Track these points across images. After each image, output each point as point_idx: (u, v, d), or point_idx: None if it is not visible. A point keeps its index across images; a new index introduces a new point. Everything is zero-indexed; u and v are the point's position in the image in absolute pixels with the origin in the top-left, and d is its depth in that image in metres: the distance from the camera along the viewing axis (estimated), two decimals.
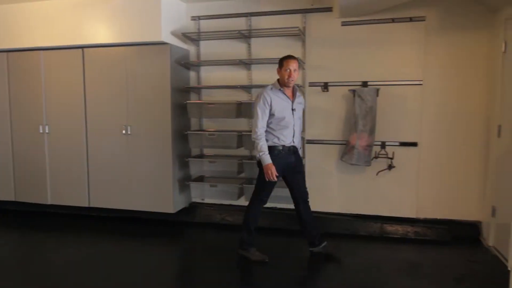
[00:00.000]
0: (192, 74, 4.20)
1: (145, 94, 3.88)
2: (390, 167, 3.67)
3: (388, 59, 3.65)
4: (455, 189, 3.67)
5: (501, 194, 3.20)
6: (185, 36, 3.95)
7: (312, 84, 3.81)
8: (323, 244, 3.28)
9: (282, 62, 3.04)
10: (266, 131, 3.07)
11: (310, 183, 3.95)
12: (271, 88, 3.09)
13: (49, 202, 4.29)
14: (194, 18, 4.08)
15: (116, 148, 4.01)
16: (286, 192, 3.69)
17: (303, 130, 3.43)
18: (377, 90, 3.60)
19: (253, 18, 3.93)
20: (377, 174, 3.71)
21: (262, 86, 3.88)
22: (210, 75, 4.13)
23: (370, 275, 2.98)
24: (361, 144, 3.57)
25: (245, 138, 3.78)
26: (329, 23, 3.74)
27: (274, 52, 3.84)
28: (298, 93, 3.18)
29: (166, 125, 3.84)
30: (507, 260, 2.77)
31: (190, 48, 4.17)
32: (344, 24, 3.70)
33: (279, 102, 3.06)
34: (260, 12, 3.89)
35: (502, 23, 3.22)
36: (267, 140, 3.06)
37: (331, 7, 3.69)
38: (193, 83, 4.20)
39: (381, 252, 3.37)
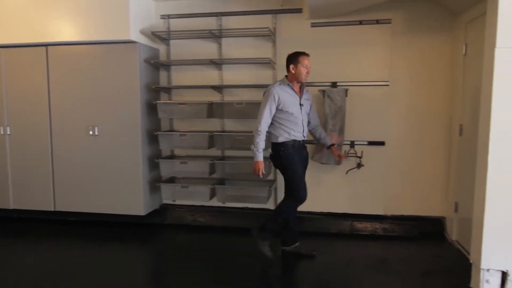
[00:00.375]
0: (162, 73, 4.14)
1: (113, 94, 3.78)
2: (359, 166, 3.75)
3: (356, 60, 3.74)
4: (420, 186, 3.80)
5: (463, 190, 3.34)
6: (155, 35, 3.89)
7: None
8: (296, 245, 3.31)
9: (298, 58, 3.04)
10: (276, 127, 3.08)
11: (281, 183, 4.00)
12: (280, 84, 3.10)
13: (11, 207, 4.10)
14: (163, 17, 4.02)
15: (82, 149, 3.89)
16: (257, 191, 3.73)
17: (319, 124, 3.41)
18: (346, 90, 3.68)
19: (223, 18, 3.91)
20: (346, 172, 3.78)
21: (234, 86, 3.93)
22: (180, 75, 4.08)
23: (341, 272, 3.04)
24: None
25: (216, 138, 3.77)
26: (299, 24, 3.78)
27: (245, 52, 3.86)
28: (305, 90, 3.20)
29: (135, 125, 3.77)
30: (469, 254, 2.90)
31: (160, 47, 4.10)
32: (313, 25, 3.76)
33: (288, 97, 3.07)
34: (231, 12, 3.88)
35: (463, 27, 3.37)
36: (278, 137, 3.07)
37: (300, 8, 3.73)
38: (163, 83, 4.14)
39: (351, 249, 3.44)
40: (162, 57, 4.10)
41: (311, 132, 3.36)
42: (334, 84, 3.72)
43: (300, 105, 3.11)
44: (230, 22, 3.91)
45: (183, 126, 4.13)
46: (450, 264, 3.15)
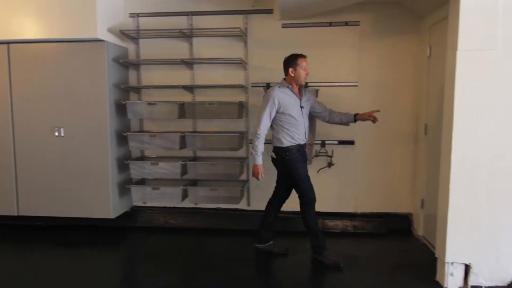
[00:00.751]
0: (132, 73, 4.05)
1: (80, 94, 3.66)
2: (330, 164, 3.82)
3: (326, 61, 3.80)
4: (389, 184, 3.91)
5: (429, 187, 3.47)
6: (123, 34, 3.80)
7: (254, 85, 3.85)
8: (270, 243, 3.32)
9: (297, 61, 3.04)
10: (280, 131, 3.07)
11: (254, 182, 4.01)
12: (279, 87, 3.09)
13: None
14: (132, 15, 3.94)
15: (47, 151, 3.74)
16: (229, 192, 3.71)
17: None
18: (317, 91, 3.73)
19: (194, 17, 3.88)
20: (317, 172, 3.83)
21: (205, 87, 3.90)
22: (150, 75, 4.01)
23: (313, 269, 3.08)
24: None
25: (188, 139, 3.72)
26: (270, 25, 3.81)
27: (217, 52, 3.84)
28: (304, 91, 3.20)
29: (103, 126, 3.67)
30: (434, 248, 3.01)
31: (129, 46, 4.01)
32: (284, 26, 3.79)
33: (288, 100, 3.06)
34: (202, 11, 3.86)
35: (427, 29, 3.49)
36: (282, 141, 3.06)
37: (271, 9, 3.76)
38: (132, 82, 4.05)
39: None
40: (132, 56, 4.02)
41: (332, 123, 3.33)
42: (305, 85, 3.76)
43: (301, 107, 3.11)
44: (201, 22, 3.88)
45: (153, 126, 4.06)
46: (417, 259, 3.26)
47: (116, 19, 3.85)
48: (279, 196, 3.35)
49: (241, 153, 3.97)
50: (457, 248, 2.69)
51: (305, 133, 3.15)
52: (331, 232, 3.80)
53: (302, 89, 3.19)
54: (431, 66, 3.44)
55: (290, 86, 3.08)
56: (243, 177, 3.97)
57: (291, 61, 3.07)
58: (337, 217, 3.88)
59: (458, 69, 2.54)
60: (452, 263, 2.72)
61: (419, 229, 3.69)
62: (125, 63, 3.90)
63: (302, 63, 3.04)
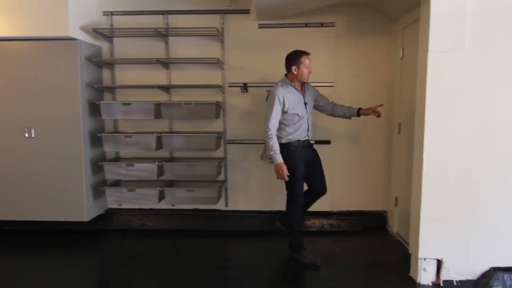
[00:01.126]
0: (106, 72, 3.96)
1: (52, 94, 3.55)
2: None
3: None
4: (364, 182, 3.98)
5: (402, 185, 3.56)
6: (97, 32, 3.71)
7: (231, 85, 3.84)
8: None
9: (300, 59, 3.01)
10: (280, 128, 3.05)
11: (231, 182, 4.01)
12: (282, 85, 3.06)
13: None
14: (106, 13, 3.85)
15: (17, 153, 3.61)
16: (207, 193, 3.69)
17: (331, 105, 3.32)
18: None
19: (170, 16, 3.83)
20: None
21: (182, 86, 3.86)
22: (125, 74, 3.93)
23: (291, 268, 3.10)
24: None
25: (165, 139, 3.68)
26: (247, 25, 3.81)
27: (193, 52, 3.81)
28: (307, 87, 3.18)
29: (76, 127, 3.57)
30: (408, 245, 3.09)
31: (103, 45, 3.92)
32: (261, 26, 3.79)
33: (292, 98, 3.05)
34: (177, 11, 3.81)
35: (399, 31, 3.58)
36: (281, 138, 3.05)
37: (248, 9, 3.76)
38: (106, 82, 3.96)
39: None
40: (105, 55, 3.93)
41: (335, 116, 3.33)
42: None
43: (305, 103, 3.11)
44: (177, 21, 3.84)
45: (129, 127, 3.99)
46: (392, 255, 3.35)
47: (89, 17, 3.75)
48: (313, 190, 3.28)
49: (218, 153, 3.96)
50: (429, 244, 2.77)
51: (308, 129, 3.13)
52: (308, 231, 3.84)
53: (304, 84, 3.18)
54: (403, 67, 3.53)
55: (293, 83, 3.08)
56: (221, 177, 3.96)
57: (294, 59, 3.05)
58: (314, 216, 3.92)
59: (429, 70, 2.62)
60: (425, 259, 2.80)
61: (394, 227, 3.79)
62: (99, 62, 3.81)
63: (305, 60, 3.04)
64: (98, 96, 3.87)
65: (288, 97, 3.03)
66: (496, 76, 2.63)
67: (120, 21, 3.86)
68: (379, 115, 3.19)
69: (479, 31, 2.59)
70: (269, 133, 2.98)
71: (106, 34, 3.81)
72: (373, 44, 3.84)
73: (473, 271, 2.79)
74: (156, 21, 3.83)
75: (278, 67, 3.80)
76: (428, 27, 2.59)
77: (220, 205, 4.02)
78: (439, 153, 2.69)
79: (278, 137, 3.07)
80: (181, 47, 3.86)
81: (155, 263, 3.20)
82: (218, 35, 3.73)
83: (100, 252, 3.55)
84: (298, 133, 3.09)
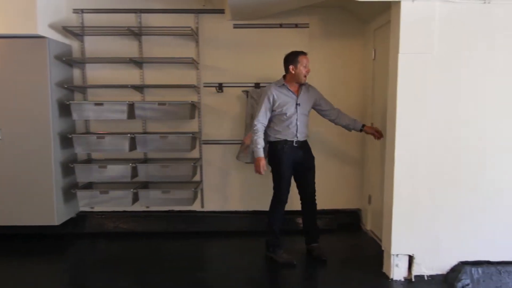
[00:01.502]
0: (76, 72, 3.85)
1: (19, 94, 3.42)
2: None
3: (278, 61, 3.80)
4: (338, 181, 4.04)
5: (375, 183, 3.64)
6: (66, 30, 3.60)
7: (206, 85, 3.82)
8: (313, 245, 3.31)
9: (297, 59, 3.03)
10: (269, 127, 3.12)
11: (207, 183, 3.99)
12: (275, 84, 3.11)
13: None
14: (76, 11, 3.74)
15: None
16: (182, 194, 3.65)
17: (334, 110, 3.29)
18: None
19: (143, 15, 3.77)
20: (271, 171, 3.87)
21: (156, 86, 3.80)
22: (97, 74, 3.83)
23: (267, 268, 3.11)
24: None
25: (139, 140, 3.61)
26: (221, 25, 3.79)
27: (167, 51, 3.77)
28: (306, 89, 3.16)
29: (45, 127, 3.45)
30: (381, 241, 3.16)
31: (73, 43, 3.81)
32: (236, 26, 3.79)
33: (283, 98, 3.06)
34: (151, 9, 3.75)
35: (371, 33, 3.66)
36: (269, 136, 3.12)
37: (223, 9, 3.75)
38: (77, 81, 3.85)
39: None
40: (76, 54, 3.82)
41: (337, 124, 3.31)
42: (257, 85, 3.79)
43: (297, 104, 3.10)
44: (151, 20, 3.78)
45: (101, 127, 3.89)
46: (365, 252, 3.41)
47: (58, 15, 3.64)
48: (302, 196, 3.31)
49: (194, 154, 3.92)
50: (401, 241, 2.84)
51: (296, 131, 3.11)
52: (284, 230, 3.84)
53: (304, 86, 3.17)
54: (376, 68, 3.61)
55: (286, 84, 3.10)
56: (196, 178, 3.92)
57: (291, 59, 3.07)
58: (290, 215, 3.94)
59: (400, 70, 2.69)
60: (397, 255, 2.88)
61: (367, 224, 3.87)
62: (69, 61, 3.71)
63: (302, 60, 3.05)
64: (69, 96, 3.76)
65: (279, 96, 3.07)
66: (462, 76, 2.73)
67: (91, 19, 3.76)
68: (379, 137, 3.21)
69: (446, 33, 2.68)
70: (254, 128, 3.07)
71: (76, 32, 3.70)
72: (346, 45, 3.90)
73: (443, 266, 2.89)
74: (129, 20, 3.76)
75: (253, 67, 3.85)
76: (398, 29, 2.67)
77: (196, 206, 3.99)
78: (410, 151, 2.76)
79: (267, 135, 3.14)
80: (155, 47, 3.81)
81: (130, 266, 3.14)
82: (192, 35, 3.70)
83: (71, 256, 3.44)
84: (285, 133, 3.11)
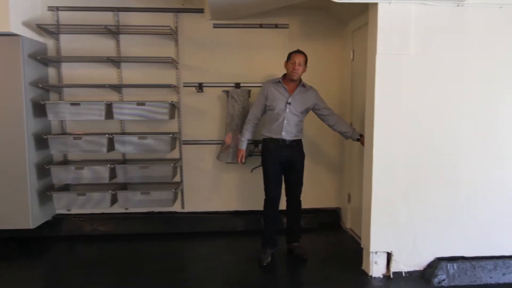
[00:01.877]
0: (52, 71, 3.75)
1: None
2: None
3: (258, 61, 3.86)
4: (319, 181, 4.08)
5: (354, 182, 3.69)
6: (41, 28, 3.50)
7: (186, 85, 3.79)
8: (295, 244, 3.35)
9: (290, 55, 3.13)
10: (261, 124, 3.27)
11: (188, 184, 3.95)
12: (273, 80, 3.21)
13: None
14: (51, 9, 3.65)
15: None
16: (162, 195, 3.61)
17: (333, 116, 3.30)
18: (249, 91, 3.78)
19: (121, 13, 3.70)
20: (251, 171, 3.88)
21: (134, 86, 3.75)
22: (73, 73, 3.74)
23: (248, 267, 3.11)
24: (235, 143, 3.69)
25: (117, 141, 3.53)
26: (201, 24, 3.77)
27: (146, 51, 3.72)
28: (305, 90, 3.16)
29: (19, 128, 3.35)
30: (360, 239, 3.21)
31: (48, 41, 3.71)
32: (216, 26, 3.78)
33: (275, 94, 3.11)
34: (129, 8, 3.69)
35: (350, 34, 3.71)
36: (260, 133, 3.25)
37: (202, 9, 3.72)
38: (52, 81, 3.75)
39: (258, 244, 3.53)
40: (51, 52, 3.72)
41: (336, 131, 3.32)
42: (237, 85, 3.79)
43: (287, 103, 3.09)
44: (129, 19, 3.72)
45: (77, 128, 3.81)
46: (345, 250, 3.46)
47: (32, 12, 3.54)
48: (287, 195, 3.36)
49: (174, 154, 3.88)
50: (380, 238, 2.89)
51: (283, 130, 3.10)
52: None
53: (302, 87, 3.17)
54: (354, 69, 3.66)
55: (282, 81, 3.15)
56: (177, 179, 3.89)
57: (288, 56, 3.16)
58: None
59: (377, 71, 2.74)
60: (376, 252, 2.93)
61: (347, 222, 3.92)
62: (44, 60, 3.61)
63: (293, 57, 3.11)
64: (44, 95, 3.66)
65: (272, 92, 3.14)
66: (437, 76, 2.80)
67: (66, 17, 3.67)
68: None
69: (422, 34, 2.75)
70: (247, 119, 3.26)
71: (51, 30, 3.61)
72: (325, 46, 3.94)
73: (420, 262, 2.96)
74: (106, 18, 3.69)
75: (233, 67, 3.84)
76: (376, 31, 2.71)
77: (176, 207, 3.95)
78: (388, 150, 2.82)
79: (260, 132, 3.27)
80: (133, 46, 3.75)
81: (108, 270, 3.08)
82: (172, 34, 3.67)
83: (47, 261, 3.34)
84: (271, 129, 3.14)
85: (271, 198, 3.21)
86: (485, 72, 2.83)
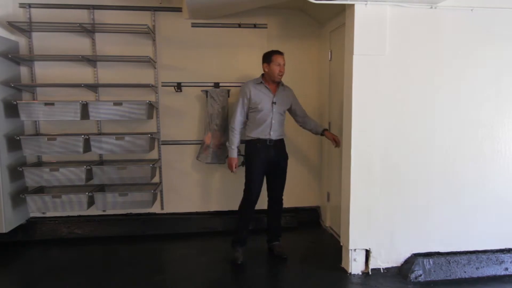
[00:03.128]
0: (24, 69, 3.63)
1: None
2: (244, 163, 3.87)
3: (236, 61, 3.85)
4: (298, 180, 4.10)
5: (333, 181, 3.73)
6: (12, 26, 3.39)
7: (164, 84, 3.75)
8: (275, 243, 3.35)
9: (271, 57, 3.06)
10: (247, 125, 3.16)
11: (167, 184, 3.91)
12: (253, 81, 3.14)
13: None
14: (23, 6, 3.53)
15: None
16: (141, 196, 3.55)
17: (306, 116, 3.36)
18: (228, 91, 3.76)
19: (96, 11, 3.62)
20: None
21: (110, 85, 3.68)
22: (46, 72, 3.64)
23: (225, 268, 3.10)
24: (215, 143, 3.68)
25: (94, 141, 3.46)
26: (179, 23, 3.73)
27: (123, 50, 3.66)
28: (283, 89, 3.16)
29: None
30: (340, 237, 3.25)
31: (20, 39, 3.59)
32: (194, 25, 3.75)
33: (259, 95, 3.06)
34: (104, 6, 3.62)
35: (327, 35, 3.75)
36: (246, 134, 3.15)
37: (180, 8, 3.68)
38: (25, 80, 3.64)
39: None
40: (23, 51, 3.60)
41: (305, 128, 3.36)
42: (216, 85, 3.77)
43: (273, 103, 3.08)
44: (105, 17, 3.64)
45: (52, 129, 3.70)
46: (325, 248, 3.50)
47: (3, 10, 3.43)
48: (269, 196, 3.36)
49: (152, 155, 3.83)
50: (358, 236, 2.94)
51: (270, 129, 3.11)
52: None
53: (281, 86, 3.18)
54: (332, 69, 3.70)
55: (263, 82, 3.12)
56: (156, 179, 3.84)
57: (266, 57, 3.11)
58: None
59: (354, 71, 2.78)
60: (355, 250, 2.97)
61: (326, 221, 3.96)
62: (15, 58, 3.49)
63: (276, 59, 3.07)
64: (16, 95, 3.54)
65: (255, 93, 3.10)
66: (410, 76, 2.87)
67: (39, 15, 3.57)
68: (337, 145, 3.23)
69: (397, 35, 2.81)
70: (232, 126, 3.15)
71: (23, 28, 3.49)
72: (303, 46, 3.97)
73: (397, 259, 3.02)
74: (81, 16, 3.60)
75: (212, 67, 3.83)
76: (352, 32, 2.75)
77: (156, 208, 3.90)
78: (365, 149, 2.86)
79: (245, 134, 3.20)
80: (109, 44, 3.67)
81: (86, 274, 3.01)
82: (149, 33, 3.61)
83: (21, 266, 3.22)
84: (259, 130, 3.12)
85: (252, 199, 3.20)
86: (457, 72, 2.91)
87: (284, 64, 3.12)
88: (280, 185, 3.31)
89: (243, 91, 3.13)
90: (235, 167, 3.18)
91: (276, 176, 3.27)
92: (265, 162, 3.17)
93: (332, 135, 3.30)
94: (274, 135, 3.15)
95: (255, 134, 3.15)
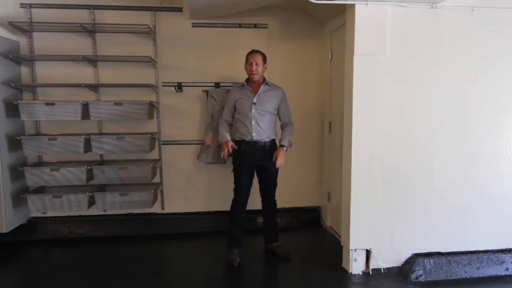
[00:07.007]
0: (25, 70, 3.64)
1: None
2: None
3: (237, 61, 3.83)
4: (299, 180, 4.11)
5: (333, 181, 3.73)
6: (13, 26, 3.39)
7: (165, 84, 3.75)
8: (275, 244, 3.35)
9: (247, 56, 3.13)
10: (233, 127, 3.21)
11: (167, 184, 3.91)
12: (237, 85, 3.23)
13: None
14: (24, 6, 3.54)
15: None
16: (141, 196, 3.56)
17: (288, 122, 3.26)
18: (229, 91, 3.75)
19: (97, 11, 3.62)
20: (232, 171, 3.86)
21: (111, 86, 3.68)
22: (47, 72, 3.64)
23: (225, 268, 3.10)
24: (215, 143, 3.68)
25: (94, 141, 3.46)
26: (180, 23, 3.73)
27: (123, 50, 3.66)
28: (269, 86, 3.15)
29: None
30: (340, 237, 3.25)
31: (21, 40, 3.59)
32: (194, 25, 3.75)
33: (240, 96, 3.13)
34: (105, 6, 3.62)
35: (328, 35, 3.75)
36: (232, 135, 3.19)
37: (181, 8, 3.69)
38: (26, 80, 3.64)
39: None
40: (24, 51, 3.60)
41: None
42: (217, 85, 3.77)
43: (252, 103, 3.08)
44: (105, 17, 3.64)
45: (53, 129, 3.70)
46: (325, 248, 3.50)
47: (4, 10, 3.44)
48: (262, 197, 3.36)
49: (153, 155, 3.83)
50: (359, 236, 2.93)
51: (251, 130, 3.06)
52: (246, 229, 3.85)
53: (265, 85, 3.14)
54: (333, 69, 3.70)
55: (246, 84, 3.16)
56: (156, 179, 3.84)
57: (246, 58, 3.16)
58: (253, 214, 3.96)
59: (355, 71, 2.78)
60: (355, 250, 2.97)
61: (327, 221, 3.96)
62: (16, 58, 3.49)
63: (249, 58, 3.12)
64: (17, 95, 3.54)
65: (237, 96, 3.15)
66: (411, 76, 2.87)
67: (40, 15, 3.57)
68: (275, 163, 3.08)
69: (397, 35, 2.80)
70: (219, 122, 3.30)
71: (24, 28, 3.50)
72: (304, 46, 3.97)
73: (398, 259, 3.02)
74: (82, 16, 3.60)
75: (213, 67, 3.83)
76: (353, 32, 2.75)
77: (156, 208, 3.90)
78: (366, 149, 2.86)
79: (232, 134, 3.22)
80: (110, 44, 3.68)
81: (86, 274, 3.01)
82: (150, 33, 3.61)
83: (22, 266, 3.23)
84: (241, 131, 3.12)
85: (240, 202, 3.20)
86: (458, 72, 2.91)
87: (257, 63, 3.07)
88: (271, 187, 3.28)
89: (228, 97, 3.26)
90: (228, 149, 3.02)
91: (265, 179, 3.25)
92: (252, 164, 3.15)
93: (276, 153, 3.09)
94: (257, 137, 3.08)
95: (238, 135, 3.15)
